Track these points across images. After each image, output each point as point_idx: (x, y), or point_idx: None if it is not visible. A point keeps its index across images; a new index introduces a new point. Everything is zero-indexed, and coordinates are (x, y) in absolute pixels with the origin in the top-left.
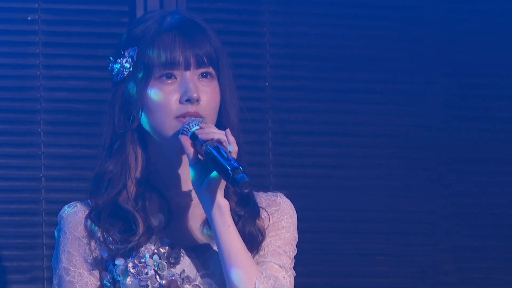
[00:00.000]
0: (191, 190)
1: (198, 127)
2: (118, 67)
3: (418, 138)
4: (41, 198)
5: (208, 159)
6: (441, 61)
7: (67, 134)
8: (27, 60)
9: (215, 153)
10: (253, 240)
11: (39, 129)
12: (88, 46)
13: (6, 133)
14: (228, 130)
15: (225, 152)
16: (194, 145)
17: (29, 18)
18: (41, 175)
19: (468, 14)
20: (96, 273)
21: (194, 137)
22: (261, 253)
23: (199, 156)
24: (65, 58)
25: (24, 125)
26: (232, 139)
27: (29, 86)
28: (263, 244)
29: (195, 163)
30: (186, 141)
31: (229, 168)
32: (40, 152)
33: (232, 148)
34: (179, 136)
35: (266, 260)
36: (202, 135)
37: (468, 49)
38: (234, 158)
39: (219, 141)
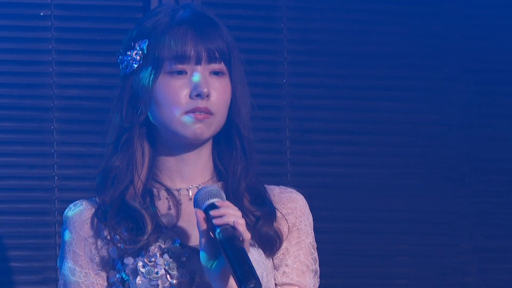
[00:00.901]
0: (200, 186)
1: (212, 201)
2: (127, 59)
3: (439, 136)
4: (54, 197)
5: (221, 248)
6: (463, 57)
7: (81, 132)
8: (40, 56)
9: (228, 249)
10: (270, 243)
11: (52, 127)
12: (101, 43)
13: (18, 131)
14: (237, 220)
15: (239, 242)
16: (207, 227)
17: (41, 14)
18: (54, 173)
19: (491, 8)
20: (103, 273)
21: (207, 214)
22: (286, 270)
23: (211, 234)
24: (78, 54)
25: (36, 123)
26: (243, 229)
27: (42, 83)
28: (287, 257)
29: (206, 243)
30: (200, 216)
31: (240, 277)
32: (53, 150)
33: (245, 237)
34: (194, 208)
35: (292, 282)
36: (216, 220)
37: (491, 44)
38: (247, 253)
39: (234, 228)
